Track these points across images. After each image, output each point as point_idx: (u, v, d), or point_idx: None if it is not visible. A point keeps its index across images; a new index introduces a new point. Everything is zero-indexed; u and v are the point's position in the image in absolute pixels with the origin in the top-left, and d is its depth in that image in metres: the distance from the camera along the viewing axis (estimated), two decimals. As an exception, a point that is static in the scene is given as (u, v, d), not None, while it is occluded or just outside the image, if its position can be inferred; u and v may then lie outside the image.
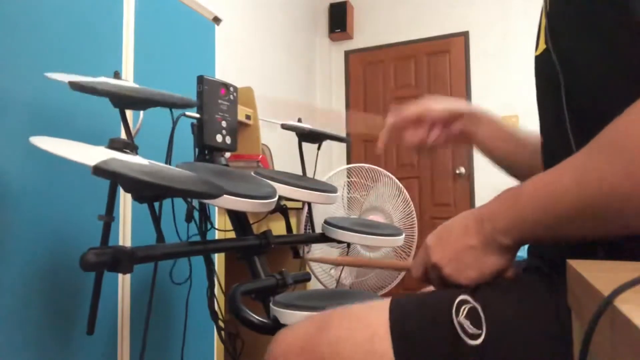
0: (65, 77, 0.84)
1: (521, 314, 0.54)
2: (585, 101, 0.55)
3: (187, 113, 1.04)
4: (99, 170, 0.61)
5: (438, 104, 0.83)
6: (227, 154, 1.17)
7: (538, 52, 0.64)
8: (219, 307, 1.18)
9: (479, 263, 0.57)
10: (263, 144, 2.27)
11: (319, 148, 1.31)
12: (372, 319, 0.59)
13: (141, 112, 1.17)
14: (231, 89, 1.12)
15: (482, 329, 0.52)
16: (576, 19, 0.55)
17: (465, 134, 0.83)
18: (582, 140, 0.49)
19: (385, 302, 0.60)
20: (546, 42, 0.60)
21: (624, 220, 0.45)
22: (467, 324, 0.52)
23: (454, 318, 0.53)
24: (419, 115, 0.83)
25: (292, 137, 1.29)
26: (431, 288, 0.71)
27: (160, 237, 0.80)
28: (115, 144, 0.74)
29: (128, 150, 0.75)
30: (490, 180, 3.22)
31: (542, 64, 0.62)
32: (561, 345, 0.50)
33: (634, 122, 0.44)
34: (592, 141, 0.47)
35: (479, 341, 0.51)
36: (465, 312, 0.53)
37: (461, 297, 0.55)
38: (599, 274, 0.35)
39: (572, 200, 0.48)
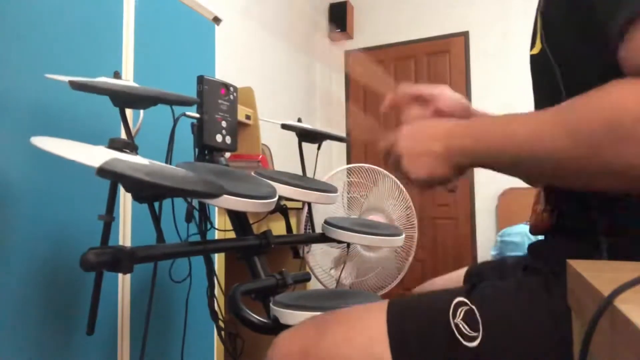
0: (65, 78, 0.84)
1: (517, 316, 0.54)
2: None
3: (187, 113, 1.04)
4: (103, 172, 0.61)
5: (452, 94, 0.83)
6: (227, 154, 1.18)
7: (534, 51, 0.64)
8: (219, 307, 1.18)
9: (433, 168, 0.59)
10: (263, 144, 2.27)
11: (319, 148, 1.31)
12: (370, 322, 0.59)
13: (141, 112, 1.17)
14: (231, 89, 1.12)
15: (478, 331, 0.52)
16: (569, 18, 0.55)
17: None
18: None
19: (383, 305, 0.60)
20: (542, 41, 0.60)
21: (566, 167, 0.47)
22: (464, 326, 0.53)
23: (451, 320, 0.54)
24: (431, 95, 0.82)
25: (292, 137, 1.29)
26: (430, 287, 0.71)
27: (160, 237, 0.80)
28: (115, 144, 0.74)
29: (128, 150, 0.75)
30: (489, 180, 3.22)
31: (539, 63, 0.63)
32: (558, 345, 0.50)
33: (586, 98, 0.46)
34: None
35: (475, 343, 0.52)
36: (462, 314, 0.54)
37: (458, 299, 0.55)
38: (599, 274, 0.35)
39: (528, 146, 0.50)
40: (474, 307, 0.54)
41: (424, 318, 0.57)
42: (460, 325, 0.53)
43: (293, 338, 0.64)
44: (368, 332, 0.58)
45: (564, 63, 0.57)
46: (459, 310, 0.54)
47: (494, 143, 0.54)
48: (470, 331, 0.53)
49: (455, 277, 0.89)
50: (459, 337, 0.53)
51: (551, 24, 0.59)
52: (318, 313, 0.79)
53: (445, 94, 0.82)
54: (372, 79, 0.93)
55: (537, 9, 0.62)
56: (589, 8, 0.50)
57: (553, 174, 0.50)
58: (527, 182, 0.61)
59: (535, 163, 0.50)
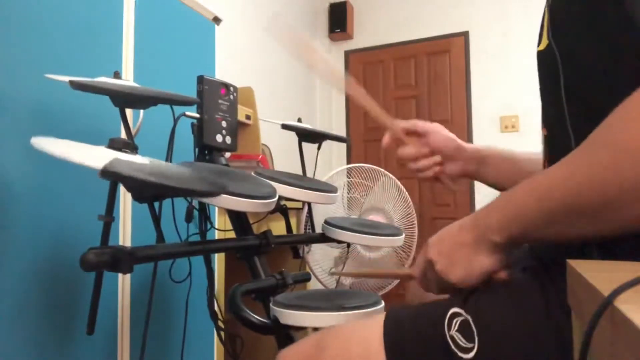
0: (65, 78, 0.84)
1: (514, 322, 0.54)
2: (585, 95, 0.55)
3: (187, 113, 1.04)
4: (106, 173, 0.61)
5: (444, 133, 0.84)
6: (227, 154, 1.18)
7: (541, 47, 0.64)
8: (219, 307, 1.18)
9: (469, 261, 0.56)
10: (263, 144, 2.27)
11: (319, 148, 1.31)
12: (367, 335, 0.59)
13: (141, 112, 1.17)
14: (231, 89, 1.12)
15: (474, 342, 0.52)
16: (577, 13, 0.55)
17: (466, 173, 0.86)
18: (581, 134, 0.49)
19: (380, 317, 0.61)
20: (548, 37, 0.60)
21: (610, 215, 0.45)
22: (459, 337, 0.53)
23: (446, 332, 0.54)
24: (425, 132, 0.83)
25: (292, 137, 1.29)
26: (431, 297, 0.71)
27: (160, 237, 0.80)
28: (115, 144, 0.74)
29: (128, 150, 0.75)
30: (490, 180, 3.21)
31: (545, 59, 0.63)
32: (555, 347, 0.50)
33: (623, 119, 0.44)
34: (584, 141, 0.47)
35: (471, 355, 0.52)
36: (457, 325, 0.54)
37: (453, 309, 0.55)
38: (599, 274, 0.35)
39: (560, 196, 0.47)
40: (469, 317, 0.54)
41: (419, 330, 0.57)
42: (456, 337, 0.53)
43: (293, 355, 0.64)
44: (365, 344, 0.58)
45: (567, 57, 0.57)
46: (454, 321, 0.54)
47: (521, 204, 0.52)
48: (465, 342, 0.53)
49: None
50: (455, 350, 0.53)
51: (558, 17, 0.59)
52: (318, 313, 0.79)
53: (438, 132, 0.83)
54: (370, 105, 0.93)
55: (546, 4, 0.62)
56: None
57: (594, 214, 0.46)
58: (568, 238, 0.53)
59: (571, 205, 0.47)
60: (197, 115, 1.05)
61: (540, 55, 0.64)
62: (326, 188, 1.14)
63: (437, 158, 0.85)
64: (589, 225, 0.47)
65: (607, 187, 0.44)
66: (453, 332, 0.54)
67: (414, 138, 0.85)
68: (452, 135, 0.85)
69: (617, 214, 0.44)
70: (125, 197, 1.17)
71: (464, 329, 0.53)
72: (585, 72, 0.55)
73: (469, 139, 3.36)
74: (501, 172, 0.84)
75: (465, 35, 3.43)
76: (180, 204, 1.04)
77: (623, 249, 0.49)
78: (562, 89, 0.57)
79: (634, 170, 0.42)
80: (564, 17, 0.58)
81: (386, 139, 0.86)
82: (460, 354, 0.52)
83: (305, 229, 2.23)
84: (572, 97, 0.57)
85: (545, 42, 0.62)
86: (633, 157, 0.42)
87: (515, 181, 0.75)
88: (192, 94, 1.08)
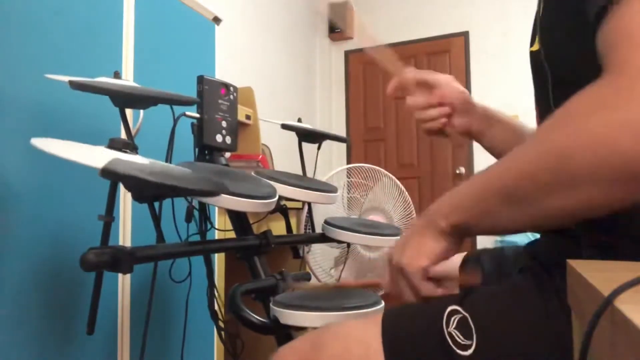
0: (65, 78, 0.84)
1: (511, 321, 0.54)
2: (571, 94, 0.55)
3: (187, 113, 1.04)
4: (107, 172, 0.61)
5: (456, 85, 0.83)
6: (227, 154, 1.18)
7: (533, 48, 0.65)
8: (219, 307, 1.19)
9: (418, 242, 0.58)
10: (263, 144, 2.27)
11: (319, 148, 1.31)
12: (366, 334, 0.59)
13: (141, 112, 1.17)
14: (231, 89, 1.12)
15: (472, 339, 0.53)
16: (562, 16, 0.55)
17: (471, 131, 0.84)
18: None
19: (377, 316, 0.61)
20: (539, 38, 0.61)
21: (539, 205, 0.46)
22: (457, 334, 0.53)
23: (445, 329, 0.54)
24: (436, 82, 0.82)
25: (292, 137, 1.29)
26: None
27: (160, 237, 0.80)
28: (115, 144, 0.74)
29: (128, 150, 0.75)
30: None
31: (536, 59, 0.63)
32: (554, 347, 0.50)
33: (550, 127, 0.46)
34: (525, 141, 0.49)
35: (469, 352, 0.52)
36: (455, 323, 0.54)
37: (451, 307, 0.56)
38: (599, 274, 0.35)
39: (497, 187, 0.49)
40: (467, 314, 0.54)
41: (418, 328, 0.57)
42: (454, 334, 0.53)
43: (289, 354, 0.64)
44: (364, 344, 0.58)
45: (553, 59, 0.58)
46: (453, 318, 0.55)
47: (464, 193, 0.54)
48: (464, 339, 0.53)
49: (451, 264, 0.87)
50: (453, 346, 0.53)
51: (545, 21, 0.60)
52: (318, 313, 0.79)
53: (449, 83, 0.82)
54: (383, 57, 0.90)
55: (537, 6, 0.63)
56: (576, 7, 0.51)
57: (524, 204, 0.48)
58: (504, 229, 0.58)
59: (505, 195, 0.48)
60: (197, 115, 1.05)
61: (532, 55, 0.65)
62: (326, 188, 1.14)
63: (446, 109, 0.83)
64: (520, 216, 0.48)
65: (536, 181, 0.45)
66: (451, 329, 0.54)
67: (423, 89, 0.84)
68: (463, 89, 0.83)
69: (544, 204, 0.46)
70: (125, 197, 1.17)
71: (462, 326, 0.54)
72: (569, 74, 0.56)
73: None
74: (499, 140, 0.84)
75: (465, 35, 3.43)
76: (180, 204, 1.04)
77: (623, 249, 0.49)
78: (550, 87, 0.58)
79: (559, 170, 0.44)
80: (548, 20, 0.58)
81: (392, 85, 0.84)
82: (458, 351, 0.52)
83: (305, 229, 2.23)
84: (560, 96, 0.57)
85: (536, 43, 0.63)
86: (557, 157, 0.44)
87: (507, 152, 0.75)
88: (192, 94, 1.08)
